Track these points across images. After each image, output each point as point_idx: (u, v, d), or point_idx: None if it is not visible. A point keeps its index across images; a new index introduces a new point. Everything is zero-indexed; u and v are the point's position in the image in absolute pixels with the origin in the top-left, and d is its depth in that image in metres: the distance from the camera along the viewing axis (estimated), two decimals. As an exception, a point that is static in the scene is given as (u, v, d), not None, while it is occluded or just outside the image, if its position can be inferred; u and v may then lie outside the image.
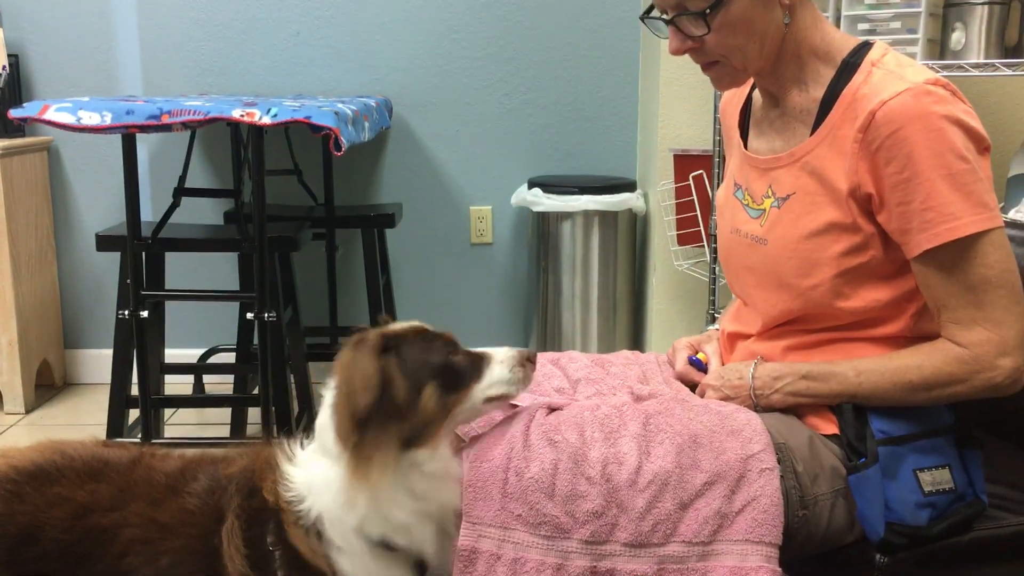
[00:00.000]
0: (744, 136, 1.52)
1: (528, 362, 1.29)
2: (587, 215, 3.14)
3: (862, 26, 2.30)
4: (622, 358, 1.65)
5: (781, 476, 1.28)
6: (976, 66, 2.24)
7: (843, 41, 1.39)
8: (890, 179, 1.27)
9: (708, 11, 1.30)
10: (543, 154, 3.51)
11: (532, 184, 3.22)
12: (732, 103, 1.58)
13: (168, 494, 1.26)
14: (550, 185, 3.16)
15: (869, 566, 1.31)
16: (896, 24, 2.26)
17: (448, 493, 1.25)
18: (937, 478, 1.31)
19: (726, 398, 1.42)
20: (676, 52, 1.37)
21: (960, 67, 2.24)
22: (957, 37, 2.26)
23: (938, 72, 2.26)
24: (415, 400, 1.20)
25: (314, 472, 1.23)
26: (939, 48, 2.31)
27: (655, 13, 1.38)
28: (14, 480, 1.26)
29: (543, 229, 3.22)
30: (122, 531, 1.24)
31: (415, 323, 1.29)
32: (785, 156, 1.40)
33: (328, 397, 1.24)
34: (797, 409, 1.40)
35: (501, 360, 1.28)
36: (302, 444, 1.29)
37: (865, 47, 1.36)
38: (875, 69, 1.31)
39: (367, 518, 1.20)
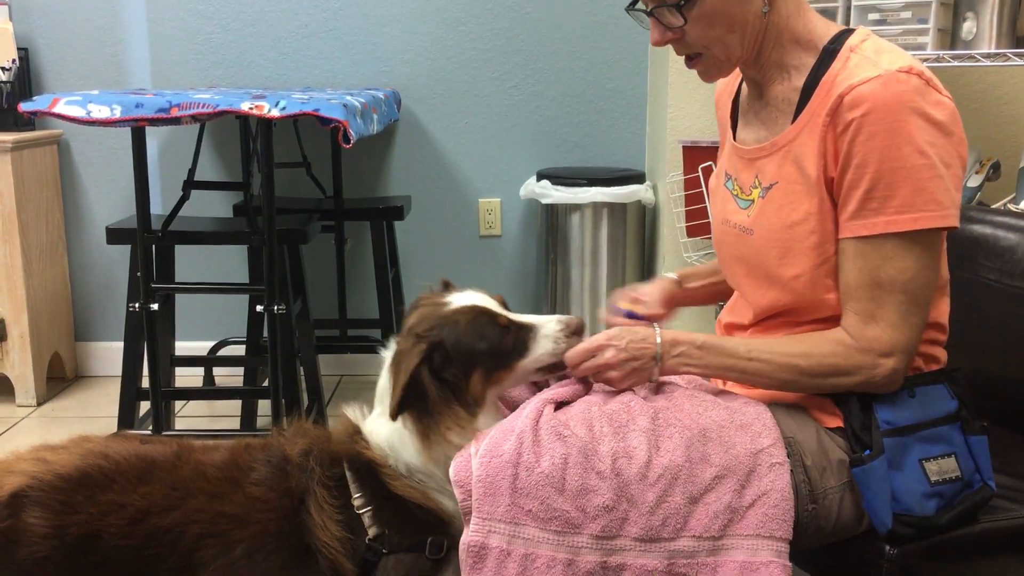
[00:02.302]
0: (734, 127, 1.52)
1: (575, 335, 1.37)
2: (596, 207, 3.13)
3: (872, 16, 2.28)
4: None
5: (791, 470, 1.28)
6: (987, 56, 2.22)
7: (825, 28, 1.38)
8: (845, 160, 1.27)
9: (683, 2, 1.30)
10: (552, 146, 3.50)
11: (541, 176, 3.22)
12: (725, 93, 1.58)
13: (228, 487, 1.30)
14: (559, 177, 3.16)
15: (879, 557, 1.31)
16: (907, 14, 2.25)
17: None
18: (943, 467, 1.31)
19: (629, 359, 1.36)
20: (657, 43, 1.38)
21: (971, 57, 2.23)
22: (968, 27, 2.24)
23: (948, 62, 2.26)
24: (466, 385, 1.32)
25: (389, 432, 1.33)
26: (950, 38, 2.29)
27: (639, 5, 1.38)
28: (62, 490, 1.26)
29: (552, 221, 3.22)
30: (187, 528, 1.26)
31: (470, 295, 1.38)
32: (768, 146, 1.40)
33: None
34: (802, 401, 1.40)
35: (547, 335, 1.36)
36: (363, 411, 1.40)
37: (846, 33, 1.35)
38: (853, 54, 1.31)
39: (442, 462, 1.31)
